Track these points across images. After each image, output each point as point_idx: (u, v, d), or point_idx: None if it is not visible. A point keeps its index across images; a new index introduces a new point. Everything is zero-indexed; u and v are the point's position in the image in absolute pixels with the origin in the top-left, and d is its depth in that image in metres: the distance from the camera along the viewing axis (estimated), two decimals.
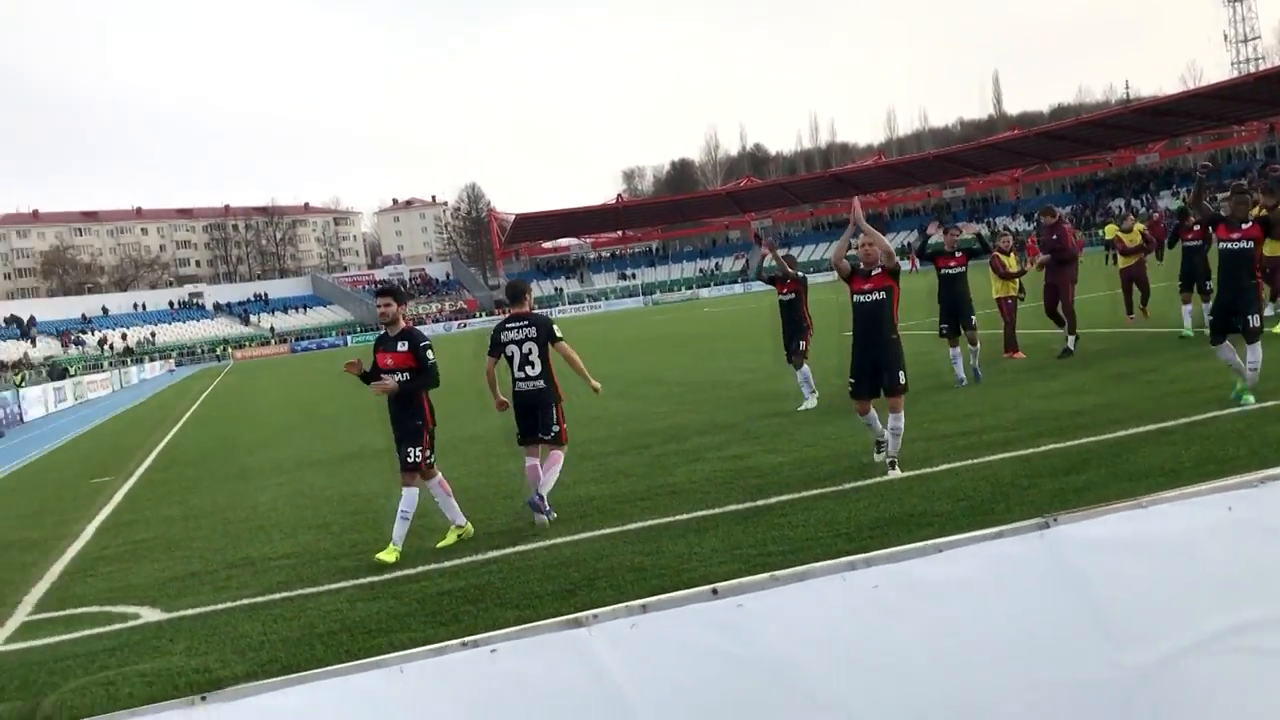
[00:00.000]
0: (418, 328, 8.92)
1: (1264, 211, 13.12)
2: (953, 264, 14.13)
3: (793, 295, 13.63)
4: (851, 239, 9.07)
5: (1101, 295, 25.25)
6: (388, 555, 8.08)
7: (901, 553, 2.33)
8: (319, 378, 40.49)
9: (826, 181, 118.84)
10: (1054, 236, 15.75)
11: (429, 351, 8.30)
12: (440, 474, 8.63)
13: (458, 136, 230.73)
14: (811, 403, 13.56)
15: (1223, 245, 10.08)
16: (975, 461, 8.86)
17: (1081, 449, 8.85)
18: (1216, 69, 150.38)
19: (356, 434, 17.58)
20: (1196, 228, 14.27)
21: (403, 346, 8.28)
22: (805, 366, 13.68)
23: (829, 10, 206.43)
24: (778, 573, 2.26)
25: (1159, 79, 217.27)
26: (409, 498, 8.23)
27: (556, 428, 8.87)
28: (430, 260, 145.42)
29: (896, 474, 8.66)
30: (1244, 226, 10.03)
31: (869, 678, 2.13)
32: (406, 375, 8.30)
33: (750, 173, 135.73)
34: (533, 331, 8.78)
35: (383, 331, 8.52)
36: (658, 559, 7.17)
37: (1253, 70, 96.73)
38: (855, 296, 8.91)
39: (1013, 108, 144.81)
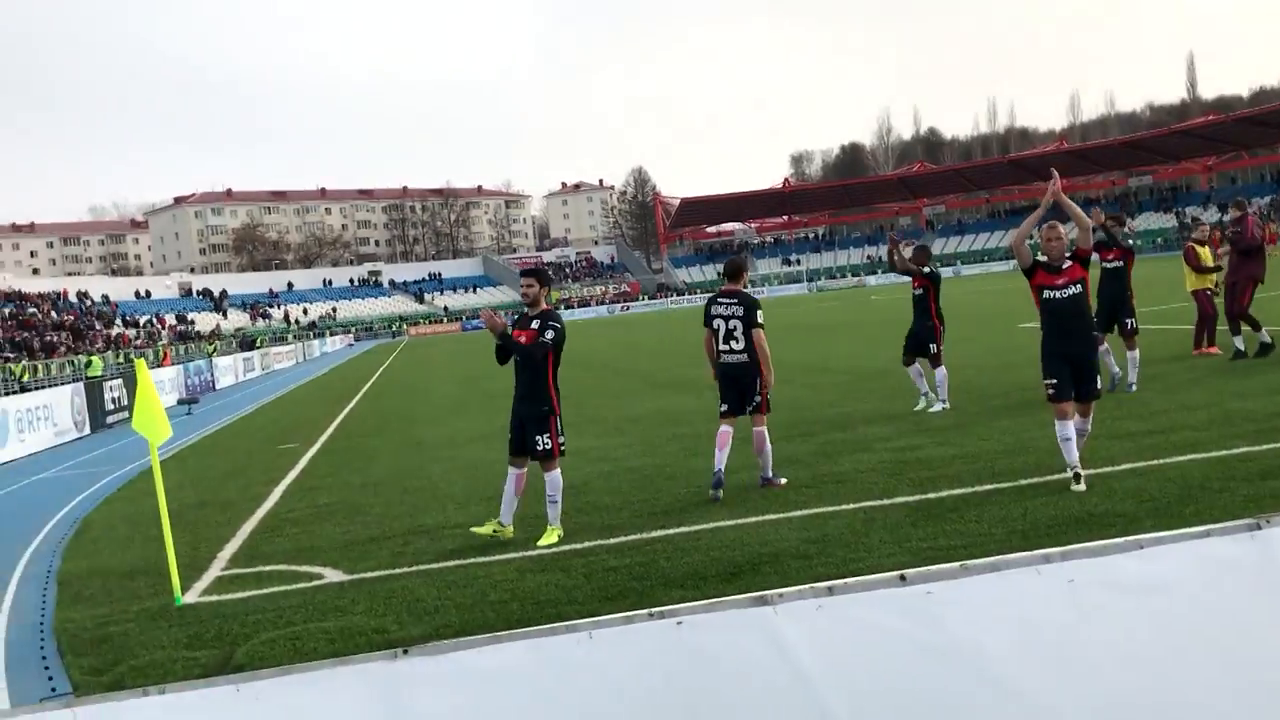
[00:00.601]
0: (557, 311, 8.99)
1: None
2: (1111, 257, 13.12)
3: (922, 290, 13.08)
4: (1038, 224, 8.34)
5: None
6: (549, 538, 8.19)
7: (1101, 548, 2.25)
8: (488, 355, 41.58)
9: (1004, 167, 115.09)
10: (1237, 229, 14.87)
11: (551, 330, 8.29)
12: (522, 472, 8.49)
13: (627, 122, 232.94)
14: (938, 407, 12.76)
15: None
16: (1162, 462, 8.45)
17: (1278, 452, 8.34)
18: None
19: None
20: None
21: (535, 325, 8.33)
22: (942, 368, 12.91)
23: None
24: (968, 562, 2.22)
25: None
26: (551, 481, 8.27)
27: (758, 398, 9.27)
28: (596, 243, 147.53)
29: (1082, 488, 7.84)
30: None
31: (1063, 672, 2.07)
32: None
33: (924, 158, 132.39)
34: (739, 310, 9.18)
35: (524, 311, 8.70)
36: (823, 547, 7.11)
37: None
38: (1046, 292, 8.10)
39: (1208, 92, 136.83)
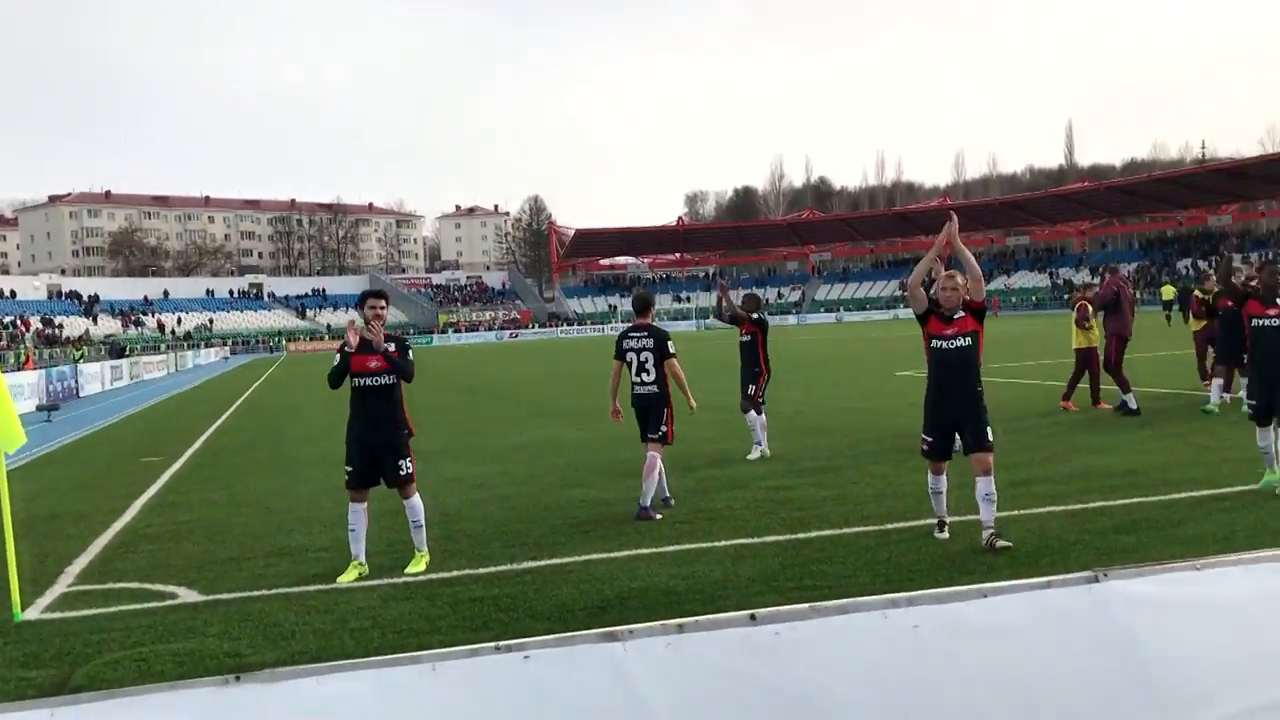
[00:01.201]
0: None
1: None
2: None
3: (750, 337, 13.27)
4: (929, 270, 8.03)
5: (1163, 355, 24.84)
6: (418, 565, 7.99)
7: (946, 594, 2.29)
8: None
9: (890, 219, 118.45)
10: (1097, 291, 16.19)
11: (410, 351, 8.12)
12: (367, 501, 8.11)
13: (527, 149, 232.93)
14: (756, 454, 12.72)
15: (1259, 323, 9.31)
16: (1023, 513, 8.73)
17: (1132, 509, 8.69)
18: None
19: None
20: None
21: (392, 347, 7.95)
22: (755, 414, 12.83)
23: (901, 49, 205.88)
24: (818, 604, 2.24)
25: (1237, 140, 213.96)
26: (415, 508, 8.04)
27: (664, 429, 9.69)
28: (488, 268, 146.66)
29: (944, 535, 7.97)
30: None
31: (904, 717, 2.10)
32: (391, 379, 7.99)
33: (813, 205, 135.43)
34: (650, 343, 9.68)
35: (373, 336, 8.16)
36: (693, 583, 7.14)
37: None
38: (935, 341, 7.80)
39: (1084, 159, 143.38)
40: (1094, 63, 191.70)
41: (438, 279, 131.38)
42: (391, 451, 7.94)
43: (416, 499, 8.07)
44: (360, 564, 7.98)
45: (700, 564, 7.68)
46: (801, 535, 8.40)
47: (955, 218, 8.02)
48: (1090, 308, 15.87)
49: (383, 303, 8.15)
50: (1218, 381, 14.65)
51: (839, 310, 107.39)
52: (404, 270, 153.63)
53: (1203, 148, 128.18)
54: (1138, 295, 63.37)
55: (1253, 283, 10.12)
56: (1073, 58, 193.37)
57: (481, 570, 7.87)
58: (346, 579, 7.81)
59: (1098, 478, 10.13)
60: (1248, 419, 9.55)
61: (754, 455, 12.71)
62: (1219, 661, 2.28)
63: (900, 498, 9.70)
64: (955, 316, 7.78)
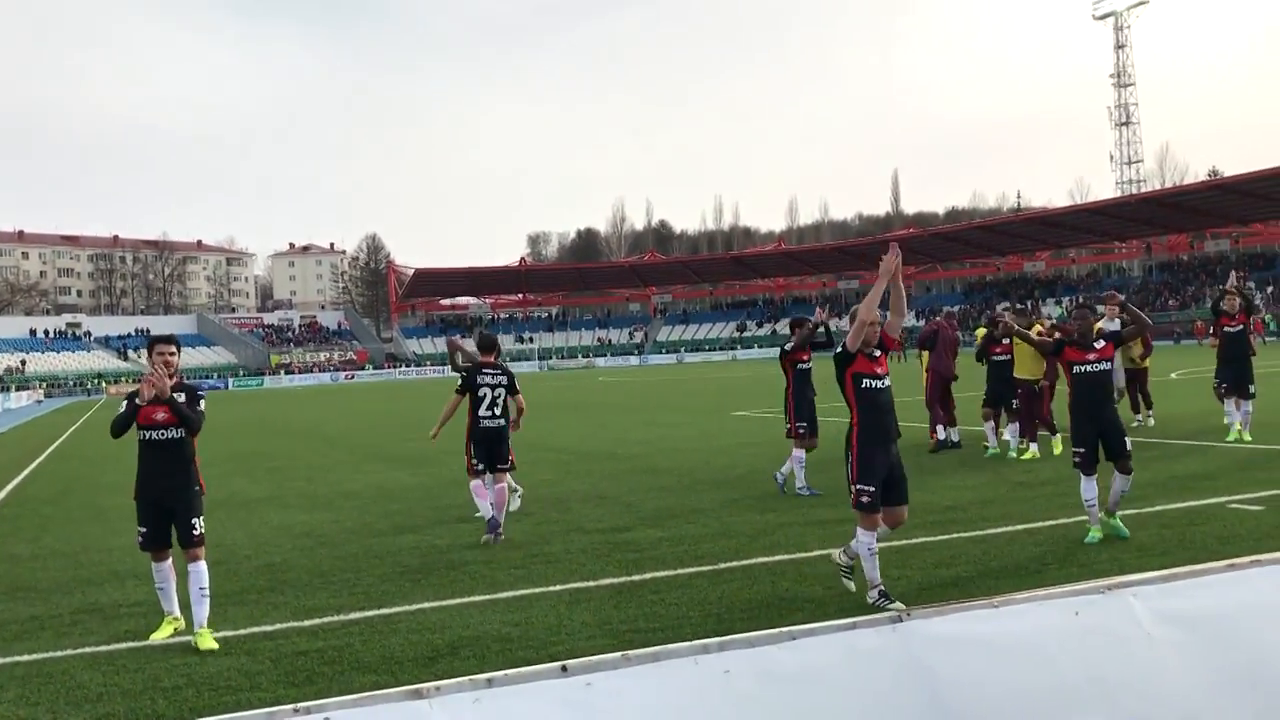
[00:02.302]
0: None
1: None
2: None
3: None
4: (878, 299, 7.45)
5: (976, 395, 26.00)
6: (207, 642, 7.02)
7: (756, 638, 2.32)
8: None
9: (727, 263, 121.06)
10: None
11: (203, 401, 7.55)
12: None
13: (363, 187, 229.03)
14: (515, 503, 12.07)
15: (1080, 369, 8.99)
16: None
17: (952, 544, 9.02)
18: (1103, 187, 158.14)
19: (227, 481, 17.01)
20: (1005, 342, 14.63)
21: (183, 396, 7.35)
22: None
23: (739, 97, 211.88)
24: (630, 652, 2.22)
25: (1049, 191, 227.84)
26: (203, 573, 7.28)
27: (510, 457, 10.82)
28: (323, 308, 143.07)
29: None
30: (1098, 347, 9.04)
31: None
32: (180, 432, 7.32)
33: (654, 248, 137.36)
34: (504, 380, 10.70)
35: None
36: (526, 630, 7.05)
37: (1135, 191, 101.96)
38: (867, 381, 7.29)
39: (910, 206, 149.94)
40: (918, 117, 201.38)
41: (270, 319, 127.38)
42: (186, 510, 7.31)
43: (204, 564, 7.34)
44: (175, 619, 7.53)
45: (534, 609, 7.60)
46: (637, 577, 8.40)
47: (896, 247, 7.38)
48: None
49: (173, 348, 7.49)
50: (988, 425, 15.12)
51: (680, 351, 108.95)
52: (234, 309, 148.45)
53: (1018, 198, 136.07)
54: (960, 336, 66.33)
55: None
56: (899, 111, 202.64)
57: (307, 622, 7.58)
58: (160, 636, 7.37)
59: (920, 514, 10.46)
60: (1073, 467, 9.12)
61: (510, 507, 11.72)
62: (1016, 694, 2.36)
63: (733, 537, 9.83)
64: (877, 354, 7.37)
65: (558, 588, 8.21)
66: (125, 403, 7.43)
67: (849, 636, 2.33)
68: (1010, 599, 2.46)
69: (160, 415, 7.28)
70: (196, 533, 7.35)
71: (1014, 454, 14.48)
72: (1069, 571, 7.70)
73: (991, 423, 15.12)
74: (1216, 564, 2.74)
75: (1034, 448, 14.48)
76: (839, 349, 7.41)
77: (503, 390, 10.61)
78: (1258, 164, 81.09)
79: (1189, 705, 2.42)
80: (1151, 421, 17.36)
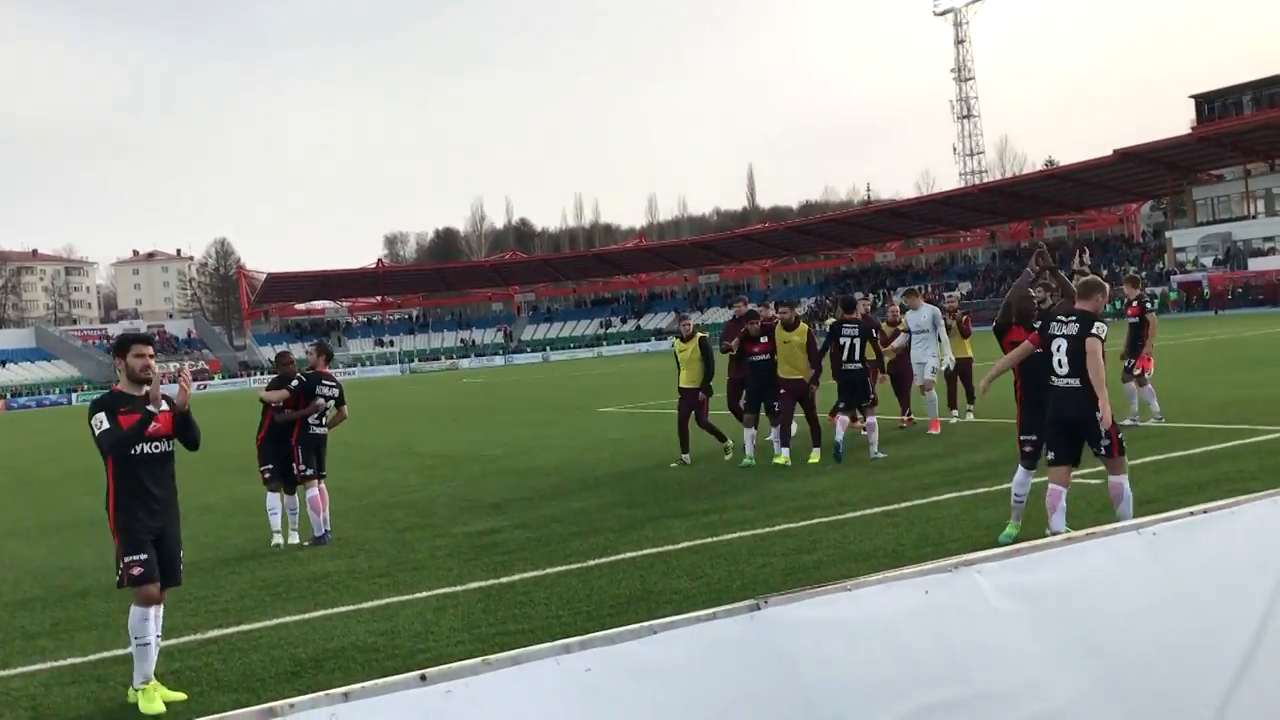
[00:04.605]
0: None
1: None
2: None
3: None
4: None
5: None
6: (155, 705, 5.99)
7: (618, 635, 2.32)
8: (37, 438, 37.28)
9: (589, 260, 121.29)
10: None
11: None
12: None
13: (210, 191, 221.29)
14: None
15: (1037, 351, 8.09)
16: (714, 540, 9.07)
17: (813, 529, 9.24)
18: (948, 178, 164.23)
19: (73, 500, 16.23)
20: (764, 340, 13.41)
21: (166, 406, 6.46)
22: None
23: (597, 94, 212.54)
24: (490, 657, 2.20)
25: (897, 183, 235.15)
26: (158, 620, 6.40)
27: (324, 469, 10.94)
28: (171, 317, 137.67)
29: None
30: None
31: None
32: (171, 445, 6.47)
33: (515, 246, 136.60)
34: (337, 392, 10.94)
35: (130, 393, 6.40)
36: (392, 639, 6.93)
37: (978, 182, 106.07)
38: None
39: (765, 201, 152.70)
40: (770, 112, 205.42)
41: (114, 329, 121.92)
42: (177, 537, 6.45)
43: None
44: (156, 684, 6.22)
45: (400, 618, 7.47)
46: (505, 579, 8.35)
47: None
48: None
49: (150, 349, 6.52)
50: (748, 433, 13.70)
51: (545, 349, 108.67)
52: (75, 321, 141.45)
53: (868, 190, 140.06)
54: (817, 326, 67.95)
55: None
56: (751, 107, 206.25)
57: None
58: (153, 710, 5.96)
59: (782, 501, 10.72)
60: (1022, 458, 8.45)
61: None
62: (872, 673, 2.42)
63: (601, 534, 9.86)
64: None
65: (424, 594, 8.10)
66: (135, 416, 6.20)
67: (709, 627, 2.35)
68: (863, 581, 2.52)
69: (153, 425, 6.29)
70: (181, 567, 6.54)
71: (780, 459, 13.30)
72: (924, 551, 7.98)
73: (752, 430, 13.63)
74: (1055, 538, 2.86)
75: (785, 453, 13.37)
76: None
77: (334, 401, 10.90)
78: (1090, 153, 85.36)
79: (1033, 673, 2.52)
80: (970, 416, 16.27)
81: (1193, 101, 75.39)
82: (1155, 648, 2.64)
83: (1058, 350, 7.57)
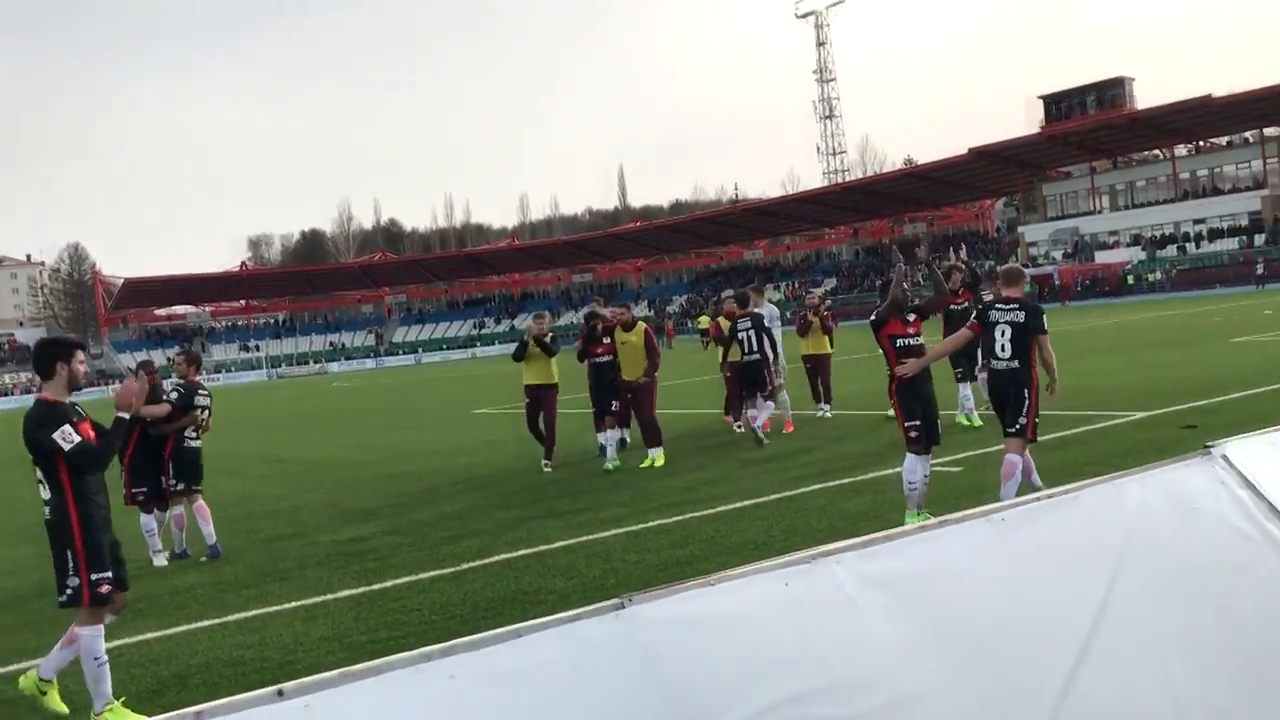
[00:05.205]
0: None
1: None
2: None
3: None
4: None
5: (700, 380, 27.07)
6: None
7: (482, 640, 2.31)
8: None
9: (461, 260, 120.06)
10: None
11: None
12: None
13: (62, 194, 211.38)
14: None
15: (903, 341, 8.66)
16: (590, 538, 9.09)
17: (686, 524, 9.34)
18: (812, 177, 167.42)
19: None
20: (606, 341, 13.22)
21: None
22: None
23: (461, 91, 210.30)
24: (350, 668, 2.16)
25: (764, 183, 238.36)
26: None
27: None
28: (21, 325, 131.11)
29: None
30: (911, 319, 8.83)
31: None
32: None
33: (385, 247, 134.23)
34: (209, 401, 10.77)
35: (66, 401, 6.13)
36: (260, 652, 6.75)
37: (841, 181, 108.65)
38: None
39: (636, 200, 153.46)
40: (640, 112, 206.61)
41: None
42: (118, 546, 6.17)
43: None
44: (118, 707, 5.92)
45: (269, 630, 7.29)
46: (377, 586, 8.21)
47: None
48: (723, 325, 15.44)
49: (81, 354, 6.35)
50: (603, 435, 13.50)
51: (418, 351, 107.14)
52: None
53: (735, 189, 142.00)
54: (687, 324, 68.84)
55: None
56: (619, 106, 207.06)
57: (11, 667, 6.95)
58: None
59: (656, 497, 10.80)
60: (908, 446, 8.57)
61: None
62: (735, 669, 2.47)
63: (476, 536, 9.78)
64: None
65: (293, 604, 7.91)
66: (78, 422, 5.98)
67: (574, 628, 2.36)
68: (726, 576, 2.57)
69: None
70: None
71: (610, 465, 13.05)
72: (793, 542, 8.14)
73: (612, 433, 13.36)
74: (910, 527, 2.95)
75: (655, 453, 13.07)
76: None
77: (208, 411, 10.68)
78: (946, 152, 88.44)
79: (888, 660, 2.60)
80: (830, 414, 16.15)
81: (1041, 102, 78.55)
82: (1003, 631, 2.75)
83: (1002, 335, 8.20)
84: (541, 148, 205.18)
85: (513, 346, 13.93)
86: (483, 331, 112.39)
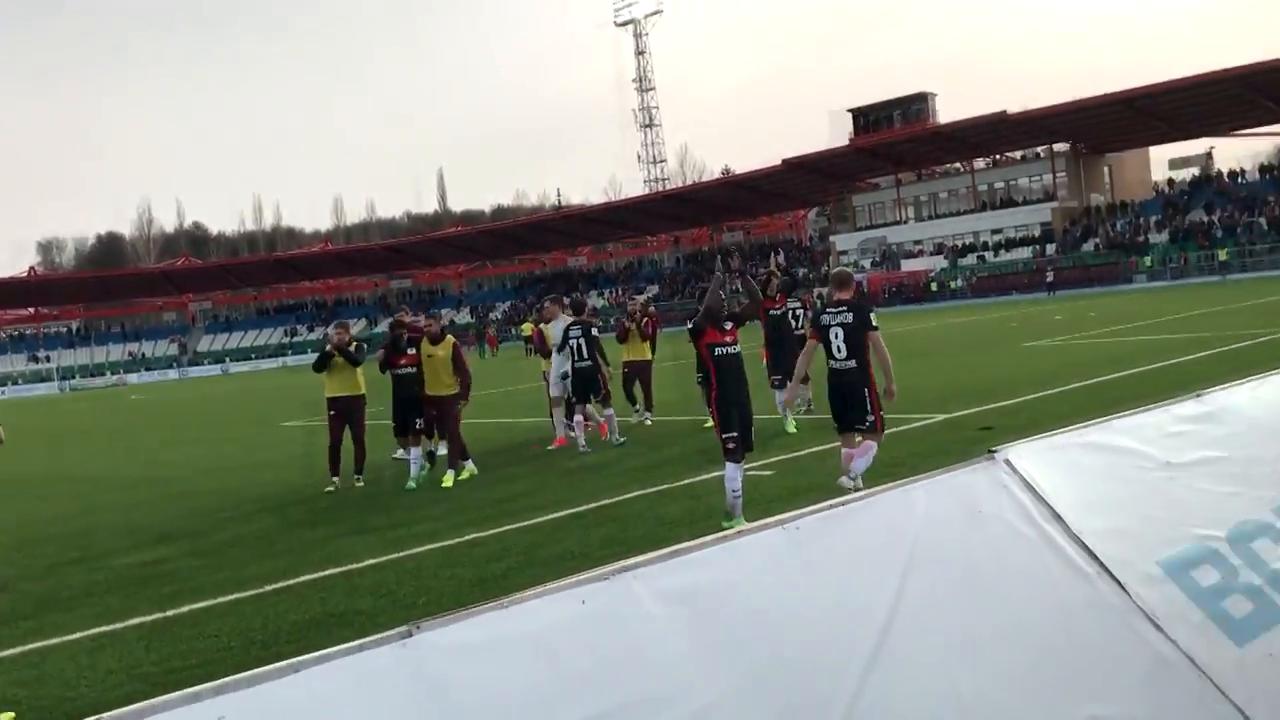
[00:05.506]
0: None
1: None
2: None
3: None
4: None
5: (522, 388, 26.94)
6: None
7: (258, 676, 2.16)
8: None
9: (270, 265, 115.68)
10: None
11: None
12: None
13: None
14: None
15: (721, 350, 8.83)
16: (401, 555, 8.85)
17: (503, 536, 9.21)
18: (633, 185, 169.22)
19: None
20: (411, 352, 12.87)
21: None
22: None
23: (269, 87, 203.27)
24: (109, 714, 2.00)
25: (586, 189, 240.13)
26: None
27: None
28: None
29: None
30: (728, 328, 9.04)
31: None
32: None
33: (188, 252, 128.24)
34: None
35: None
36: (38, 689, 6.26)
37: (661, 189, 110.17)
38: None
39: (457, 205, 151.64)
40: (460, 116, 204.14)
41: None
42: None
43: None
44: None
45: (49, 664, 6.78)
46: (172, 612, 7.76)
47: None
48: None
49: None
50: (405, 452, 13.27)
51: (225, 361, 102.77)
52: None
53: (559, 196, 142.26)
54: (511, 331, 68.44)
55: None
56: (441, 109, 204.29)
57: None
58: None
59: (471, 511, 10.62)
60: (724, 455, 8.68)
61: None
62: (529, 694, 2.40)
63: (280, 556, 9.38)
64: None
65: (77, 635, 7.39)
66: None
67: (357, 660, 2.24)
68: (520, 597, 2.49)
69: None
70: None
71: (411, 484, 12.61)
72: (610, 551, 8.13)
73: (415, 450, 12.92)
74: (709, 538, 2.95)
75: (470, 465, 12.84)
76: None
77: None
78: (762, 162, 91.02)
79: (686, 674, 2.58)
80: (649, 421, 16.27)
81: (850, 115, 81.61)
82: (798, 641, 2.77)
83: (835, 337, 8.67)
84: (356, 149, 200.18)
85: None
86: (295, 340, 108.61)
